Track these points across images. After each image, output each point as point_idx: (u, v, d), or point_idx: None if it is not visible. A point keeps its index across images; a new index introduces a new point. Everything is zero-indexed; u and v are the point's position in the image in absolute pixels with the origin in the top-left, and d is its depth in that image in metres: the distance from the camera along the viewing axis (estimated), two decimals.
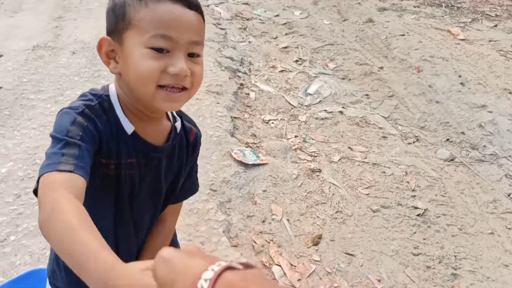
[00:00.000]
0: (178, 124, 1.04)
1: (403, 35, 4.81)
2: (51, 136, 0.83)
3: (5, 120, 2.94)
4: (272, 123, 3.46)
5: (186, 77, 0.87)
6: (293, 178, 2.87)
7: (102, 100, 0.92)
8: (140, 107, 0.93)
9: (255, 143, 3.13)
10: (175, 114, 1.05)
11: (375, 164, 3.08)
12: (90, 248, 0.61)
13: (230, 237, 2.36)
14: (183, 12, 0.88)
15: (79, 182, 0.77)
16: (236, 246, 2.32)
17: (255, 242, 2.39)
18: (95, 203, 0.90)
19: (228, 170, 2.77)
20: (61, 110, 0.88)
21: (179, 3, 0.88)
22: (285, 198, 2.71)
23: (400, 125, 3.54)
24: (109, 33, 0.92)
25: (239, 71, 4.03)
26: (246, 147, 3.02)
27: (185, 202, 1.22)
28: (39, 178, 0.77)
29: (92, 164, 0.83)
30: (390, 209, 2.72)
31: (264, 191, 2.72)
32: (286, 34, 4.91)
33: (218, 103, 3.38)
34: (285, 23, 5.11)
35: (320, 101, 3.78)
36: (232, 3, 5.58)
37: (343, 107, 3.68)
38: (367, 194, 2.82)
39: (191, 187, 1.17)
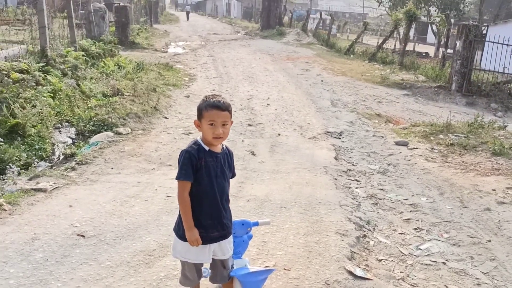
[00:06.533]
0: (224, 147, 2.79)
1: None
2: (178, 163, 2.73)
3: None
4: (384, 262, 4.45)
5: (220, 134, 2.65)
6: None
7: (195, 144, 2.73)
8: (208, 143, 2.72)
9: (365, 268, 4.14)
10: (224, 145, 2.86)
11: None
12: (190, 218, 2.68)
13: None
14: (219, 113, 2.65)
15: (189, 184, 2.58)
16: None
17: None
18: (200, 182, 2.62)
19: (340, 275, 3.83)
20: (181, 151, 2.68)
21: (219, 109, 2.64)
22: None
23: (496, 280, 4.17)
24: (197, 118, 2.72)
25: (364, 227, 5.20)
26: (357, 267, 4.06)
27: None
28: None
29: (194, 168, 2.61)
30: None
31: None
32: (410, 211, 6.02)
33: (342, 240, 4.57)
34: (411, 204, 6.26)
35: (428, 254, 4.66)
36: (370, 188, 6.99)
37: (447, 260, 4.50)
38: None
39: (233, 172, 2.94)
